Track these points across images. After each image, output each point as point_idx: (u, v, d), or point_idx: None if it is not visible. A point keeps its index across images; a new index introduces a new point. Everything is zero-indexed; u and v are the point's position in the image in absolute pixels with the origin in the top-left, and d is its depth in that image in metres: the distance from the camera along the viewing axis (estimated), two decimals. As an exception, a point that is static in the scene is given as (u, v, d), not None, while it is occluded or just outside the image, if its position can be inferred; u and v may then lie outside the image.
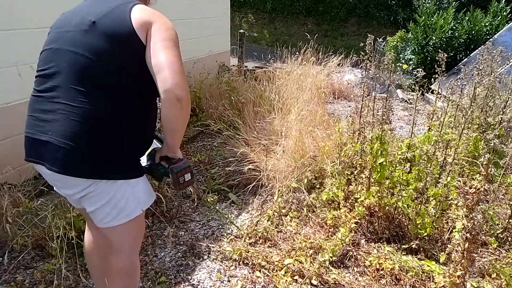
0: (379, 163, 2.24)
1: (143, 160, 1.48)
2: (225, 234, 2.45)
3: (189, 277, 2.08)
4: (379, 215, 2.33)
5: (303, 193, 2.72)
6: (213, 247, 2.30)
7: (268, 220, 2.52)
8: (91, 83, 1.28)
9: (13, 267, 2.08)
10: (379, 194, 2.26)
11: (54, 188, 1.48)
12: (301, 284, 1.97)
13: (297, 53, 5.94)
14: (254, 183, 2.85)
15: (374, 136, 2.24)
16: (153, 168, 1.45)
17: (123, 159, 1.36)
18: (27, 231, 2.17)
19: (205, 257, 2.24)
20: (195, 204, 2.78)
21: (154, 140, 1.50)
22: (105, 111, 1.29)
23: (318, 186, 2.82)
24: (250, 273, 2.10)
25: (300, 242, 2.23)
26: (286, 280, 1.99)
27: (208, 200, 2.68)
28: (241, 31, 5.85)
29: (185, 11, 4.64)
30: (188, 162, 1.41)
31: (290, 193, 2.71)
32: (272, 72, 5.16)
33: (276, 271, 2.08)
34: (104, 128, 1.30)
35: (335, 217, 2.42)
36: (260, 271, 2.10)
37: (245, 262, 2.17)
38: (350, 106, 5.35)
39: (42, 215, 2.24)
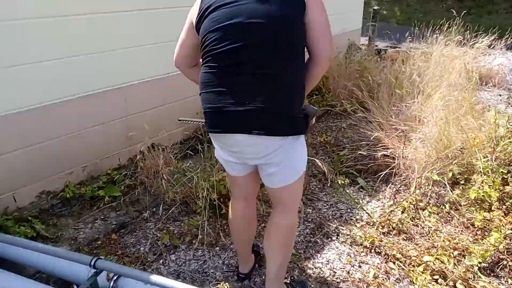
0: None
1: None
2: (354, 219, 2.38)
3: (318, 255, 2.08)
4: (545, 225, 1.98)
5: (445, 188, 2.47)
6: (342, 229, 2.26)
7: (403, 212, 2.36)
8: (273, 49, 1.34)
9: (165, 218, 2.36)
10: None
11: (232, 160, 1.55)
12: (443, 286, 1.81)
13: (436, 32, 5.34)
14: (386, 171, 2.69)
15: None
16: None
17: (300, 116, 1.45)
18: (176, 189, 2.43)
19: (334, 238, 2.22)
20: (322, 184, 2.76)
21: None
22: (288, 73, 1.36)
23: (462, 182, 2.53)
24: (382, 262, 2.01)
25: (443, 241, 2.03)
26: (425, 278, 1.84)
27: (339, 182, 2.62)
28: (375, 7, 5.48)
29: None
30: (314, 108, 1.55)
31: (429, 186, 2.49)
32: (407, 52, 4.75)
33: (414, 266, 1.95)
34: (290, 88, 1.39)
35: (486, 219, 2.14)
36: (394, 263, 1.99)
37: (377, 251, 2.08)
38: (501, 95, 4.64)
39: (189, 176, 2.49)
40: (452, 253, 1.99)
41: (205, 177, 2.35)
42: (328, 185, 2.73)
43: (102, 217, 2.37)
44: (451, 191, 2.41)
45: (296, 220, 1.66)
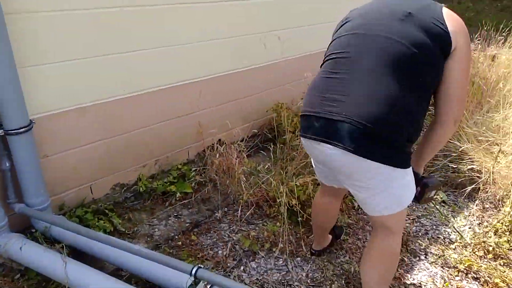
0: None
1: None
2: (442, 237, 2.22)
3: (408, 275, 1.94)
4: None
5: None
6: (431, 249, 2.11)
7: (495, 234, 2.18)
8: (400, 71, 1.23)
9: (238, 220, 2.28)
10: None
11: (321, 174, 1.58)
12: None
13: (494, 32, 4.98)
14: (473, 186, 2.50)
15: None
16: None
17: (405, 148, 1.30)
18: (251, 190, 2.34)
19: (422, 257, 2.06)
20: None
21: None
22: (405, 100, 1.23)
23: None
24: (482, 290, 1.85)
25: (552, 272, 1.85)
26: (537, 314, 1.68)
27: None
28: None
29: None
30: (438, 179, 1.50)
31: (523, 207, 2.28)
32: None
33: (519, 297, 1.78)
34: (401, 116, 1.23)
35: None
36: (495, 291, 1.83)
37: (474, 277, 1.92)
38: None
39: (263, 177, 2.39)
40: None
41: (283, 181, 2.25)
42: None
43: (175, 214, 2.31)
44: (551, 215, 2.21)
45: (399, 246, 1.51)
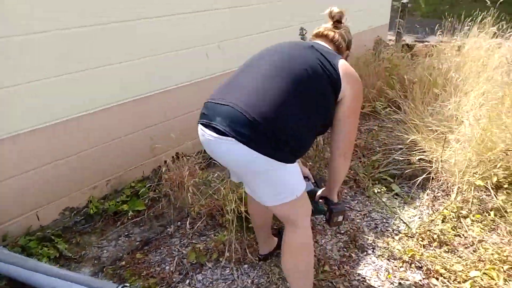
0: None
1: None
2: (391, 229, 2.22)
3: (354, 271, 1.94)
4: None
5: (488, 193, 2.27)
6: (379, 242, 2.11)
7: (443, 221, 2.18)
8: (297, 86, 1.35)
9: (190, 233, 2.28)
10: None
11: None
12: (496, 306, 1.63)
13: (469, 24, 5.08)
14: (423, 176, 2.51)
15: None
16: (312, 203, 1.63)
17: (286, 151, 1.35)
18: (201, 201, 2.34)
19: (370, 251, 2.06)
20: (354, 192, 2.61)
21: (309, 182, 1.80)
22: (293, 111, 1.33)
23: (506, 186, 2.32)
24: (425, 278, 1.84)
25: (491, 254, 1.85)
26: (475, 297, 1.67)
27: (375, 191, 2.46)
28: (404, 1, 5.23)
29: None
30: (344, 206, 1.75)
31: (471, 192, 2.29)
32: (436, 46, 4.51)
33: (459, 282, 1.78)
34: (286, 123, 1.31)
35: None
36: (437, 279, 1.82)
37: (417, 266, 1.91)
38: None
39: (215, 187, 2.39)
40: (502, 267, 1.81)
41: (233, 189, 2.25)
42: (361, 192, 2.58)
43: (126, 234, 2.31)
44: (496, 197, 2.22)
45: (307, 237, 1.55)
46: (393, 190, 2.56)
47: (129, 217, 2.40)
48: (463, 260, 1.91)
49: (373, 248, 2.08)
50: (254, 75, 1.39)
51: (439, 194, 2.47)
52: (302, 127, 1.35)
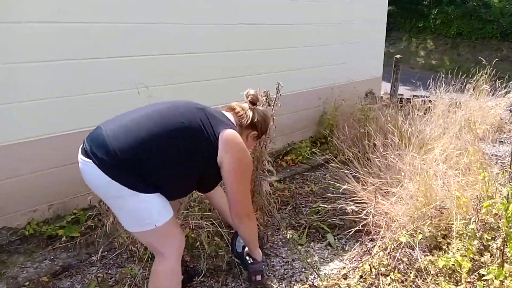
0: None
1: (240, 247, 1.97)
2: (305, 279, 2.13)
3: (248, 319, 1.87)
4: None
5: (418, 252, 2.15)
6: (284, 291, 2.03)
7: (361, 277, 2.07)
8: (172, 139, 1.49)
9: (111, 264, 2.30)
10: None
11: None
12: None
13: (469, 81, 5.09)
14: (357, 228, 2.42)
15: (510, 191, 1.57)
16: (241, 258, 1.90)
17: (142, 181, 1.46)
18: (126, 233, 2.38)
19: (273, 300, 1.99)
20: (287, 238, 2.54)
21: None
22: (156, 155, 1.46)
23: (445, 247, 2.19)
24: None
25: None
26: None
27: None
28: (397, 56, 5.31)
29: (331, 35, 4.49)
30: (261, 267, 1.84)
31: (401, 249, 2.18)
32: (431, 102, 4.49)
33: None
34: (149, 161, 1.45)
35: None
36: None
37: (312, 320, 1.82)
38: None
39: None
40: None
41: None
42: (294, 239, 2.52)
43: (52, 257, 2.37)
44: (421, 257, 2.09)
45: (172, 266, 1.58)
46: (327, 240, 2.48)
47: (61, 242, 2.48)
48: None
49: (278, 297, 2.00)
50: (137, 114, 1.54)
51: (373, 249, 2.36)
52: (168, 169, 1.47)
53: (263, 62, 3.71)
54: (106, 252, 2.43)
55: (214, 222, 2.27)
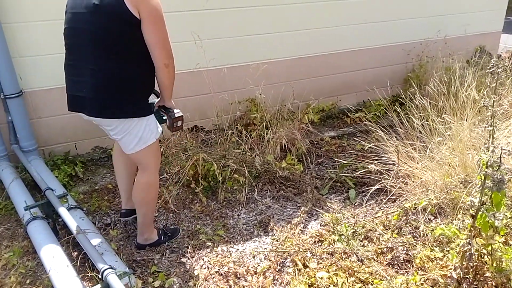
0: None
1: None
2: (301, 226, 2.28)
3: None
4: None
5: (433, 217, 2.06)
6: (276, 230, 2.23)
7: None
8: (103, 50, 1.68)
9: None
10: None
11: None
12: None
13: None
14: (377, 186, 2.38)
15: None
16: (154, 114, 1.87)
17: (139, 102, 1.78)
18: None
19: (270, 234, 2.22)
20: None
21: (153, 95, 1.91)
22: (115, 69, 1.69)
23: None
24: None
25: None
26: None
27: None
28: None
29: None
30: (181, 112, 1.84)
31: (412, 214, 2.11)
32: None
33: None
34: (118, 81, 1.71)
35: (426, 259, 1.73)
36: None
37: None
38: None
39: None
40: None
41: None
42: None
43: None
44: (425, 224, 2.00)
45: (153, 179, 1.94)
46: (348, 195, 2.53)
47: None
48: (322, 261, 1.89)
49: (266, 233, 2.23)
50: (81, 62, 1.76)
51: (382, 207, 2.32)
52: (129, 76, 1.71)
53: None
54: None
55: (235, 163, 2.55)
